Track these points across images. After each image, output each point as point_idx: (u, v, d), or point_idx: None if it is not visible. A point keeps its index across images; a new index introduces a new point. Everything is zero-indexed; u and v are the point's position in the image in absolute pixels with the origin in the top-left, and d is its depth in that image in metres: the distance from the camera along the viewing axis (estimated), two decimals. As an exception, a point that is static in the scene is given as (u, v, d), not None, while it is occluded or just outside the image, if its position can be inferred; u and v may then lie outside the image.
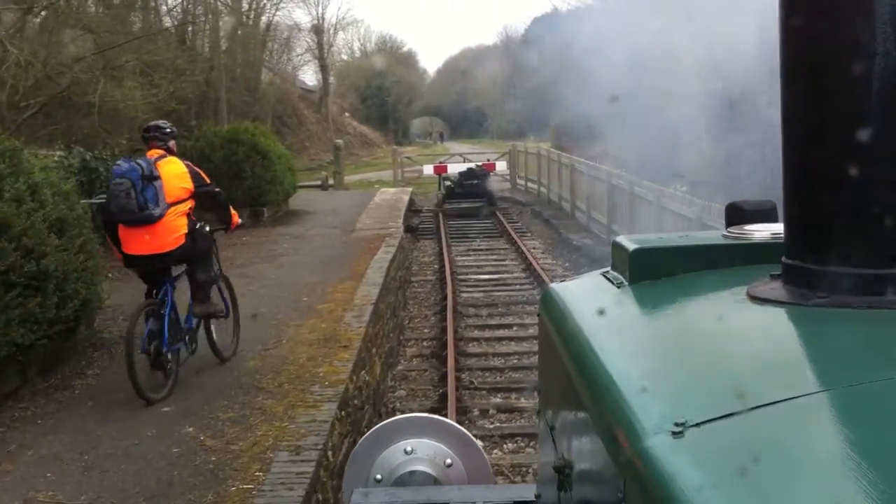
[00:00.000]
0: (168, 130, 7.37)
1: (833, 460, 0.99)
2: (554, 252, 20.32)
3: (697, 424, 1.14)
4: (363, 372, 8.13)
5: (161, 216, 6.92)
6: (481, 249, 21.55)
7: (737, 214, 2.12)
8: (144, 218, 6.87)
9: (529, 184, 32.86)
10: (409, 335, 13.77)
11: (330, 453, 5.90)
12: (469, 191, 27.80)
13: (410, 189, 28.28)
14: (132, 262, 7.16)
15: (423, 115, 69.92)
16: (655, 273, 1.95)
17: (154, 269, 7.16)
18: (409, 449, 3.04)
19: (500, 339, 13.32)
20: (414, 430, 3.09)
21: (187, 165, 7.37)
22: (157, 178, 6.94)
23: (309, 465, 5.37)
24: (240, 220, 8.10)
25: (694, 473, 1.06)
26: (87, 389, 7.30)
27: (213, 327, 7.81)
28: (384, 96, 64.12)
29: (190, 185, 7.22)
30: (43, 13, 15.48)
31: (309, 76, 58.65)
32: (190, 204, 7.25)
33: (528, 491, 2.71)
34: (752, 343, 1.46)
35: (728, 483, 1.01)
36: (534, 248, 20.69)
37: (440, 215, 26.18)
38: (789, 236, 1.56)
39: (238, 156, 17.42)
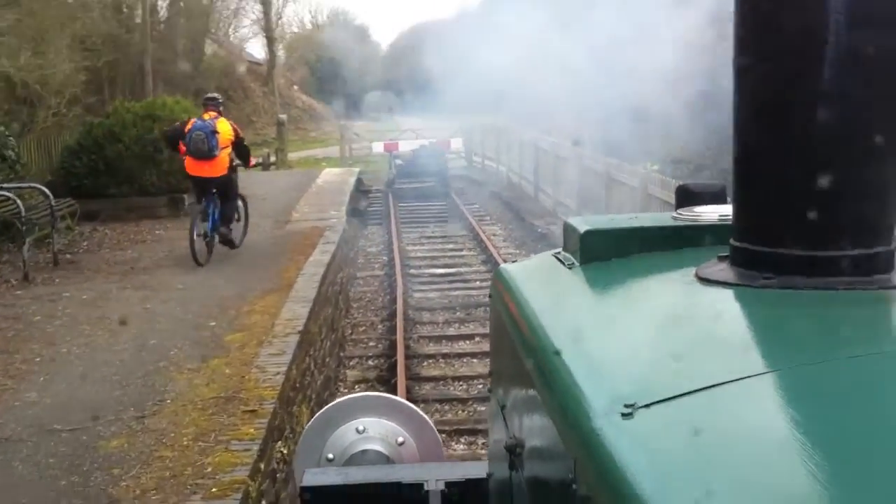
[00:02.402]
0: (220, 100, 11.51)
1: (779, 440, 0.97)
2: (517, 240, 18.26)
3: (647, 405, 1.11)
4: (279, 444, 5.86)
5: (217, 155, 10.82)
6: (436, 237, 19.37)
7: (686, 196, 2.10)
8: (210, 156, 10.77)
9: (487, 162, 30.64)
10: (350, 351, 11.54)
11: None
12: (422, 170, 25.50)
13: (357, 169, 25.90)
14: (194, 181, 11.14)
15: (376, 89, 67.42)
16: (606, 254, 1.93)
17: (205, 188, 10.99)
18: (360, 428, 2.97)
19: (460, 356, 11.18)
20: (366, 409, 3.01)
21: (231, 124, 11.26)
22: (217, 132, 10.82)
23: None
24: (255, 162, 13.16)
25: (643, 455, 1.04)
26: None
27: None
28: (335, 69, 61.51)
29: (232, 136, 11.10)
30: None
31: (258, 49, 55.66)
32: (230, 149, 11.11)
33: (480, 469, 2.62)
34: (701, 324, 1.45)
35: (675, 465, 1.00)
36: (494, 236, 18.59)
37: (390, 196, 23.90)
38: (737, 218, 1.54)
39: (154, 134, 14.69)
